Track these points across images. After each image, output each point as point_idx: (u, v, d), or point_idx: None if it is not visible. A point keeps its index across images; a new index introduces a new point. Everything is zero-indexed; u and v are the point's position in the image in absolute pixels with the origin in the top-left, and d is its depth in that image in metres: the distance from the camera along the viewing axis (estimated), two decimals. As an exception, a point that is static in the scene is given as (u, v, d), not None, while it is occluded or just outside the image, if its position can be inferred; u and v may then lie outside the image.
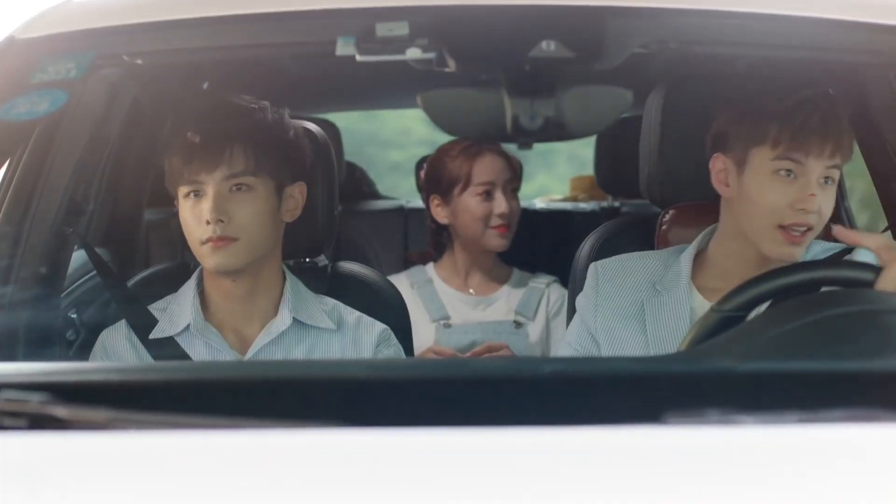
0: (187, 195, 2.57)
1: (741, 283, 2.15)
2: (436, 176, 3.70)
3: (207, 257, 2.56)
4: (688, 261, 2.67)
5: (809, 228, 2.51)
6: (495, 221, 3.62)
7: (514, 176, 3.66)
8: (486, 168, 3.63)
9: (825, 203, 2.51)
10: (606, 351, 2.68)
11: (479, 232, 3.65)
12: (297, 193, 2.65)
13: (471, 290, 3.70)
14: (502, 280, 3.74)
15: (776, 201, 2.51)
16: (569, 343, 2.76)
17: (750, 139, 2.55)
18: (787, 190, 2.50)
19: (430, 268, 3.78)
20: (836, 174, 2.54)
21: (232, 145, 2.55)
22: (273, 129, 2.63)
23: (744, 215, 2.58)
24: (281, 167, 2.61)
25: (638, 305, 2.68)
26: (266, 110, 2.64)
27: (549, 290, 3.69)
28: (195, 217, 2.55)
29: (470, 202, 3.64)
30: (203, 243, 2.54)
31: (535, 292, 3.68)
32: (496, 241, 3.65)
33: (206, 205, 2.53)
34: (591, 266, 2.79)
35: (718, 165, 2.61)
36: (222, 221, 2.52)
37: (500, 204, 3.61)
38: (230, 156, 2.54)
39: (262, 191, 2.58)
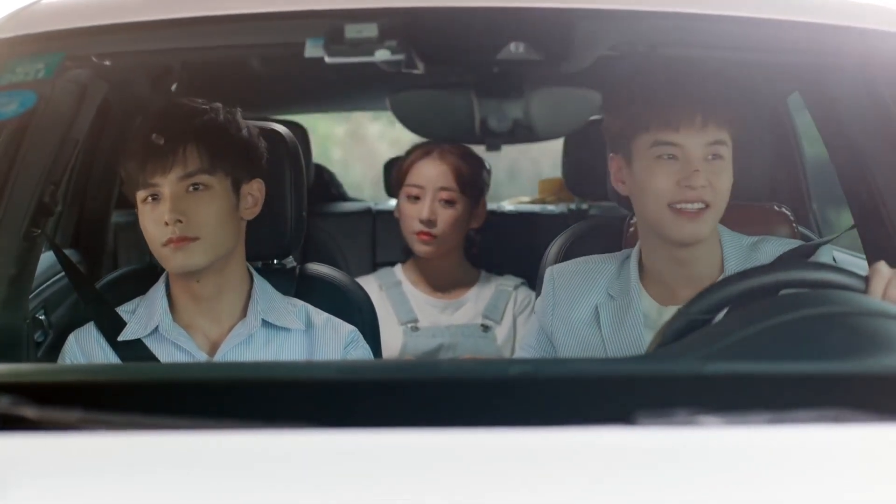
0: (145, 200, 2.58)
1: (706, 286, 2.15)
2: (394, 173, 3.72)
3: (169, 259, 2.56)
4: (634, 265, 2.68)
5: (706, 205, 2.53)
6: (417, 227, 3.58)
7: (450, 186, 3.58)
8: (419, 171, 3.60)
9: (715, 178, 2.53)
10: (563, 355, 2.69)
11: (407, 234, 3.63)
12: (255, 191, 2.66)
13: (438, 293, 3.69)
14: (470, 282, 3.72)
15: (662, 183, 2.53)
16: (529, 345, 2.77)
17: (630, 132, 2.59)
18: (671, 171, 2.53)
19: (398, 269, 3.76)
20: (721, 150, 2.55)
21: (185, 145, 2.55)
22: (225, 127, 2.63)
23: (641, 206, 2.61)
24: (236, 165, 2.62)
25: (592, 310, 2.69)
26: (217, 111, 2.65)
27: (516, 293, 3.68)
28: (154, 221, 2.55)
29: (402, 203, 3.65)
30: (164, 245, 2.54)
31: (502, 295, 3.68)
32: (417, 246, 3.61)
33: (164, 206, 2.53)
34: (548, 270, 2.80)
35: (614, 166, 2.65)
36: (181, 222, 2.53)
37: (422, 210, 3.56)
38: (184, 155, 2.55)
39: (219, 189, 2.58)
